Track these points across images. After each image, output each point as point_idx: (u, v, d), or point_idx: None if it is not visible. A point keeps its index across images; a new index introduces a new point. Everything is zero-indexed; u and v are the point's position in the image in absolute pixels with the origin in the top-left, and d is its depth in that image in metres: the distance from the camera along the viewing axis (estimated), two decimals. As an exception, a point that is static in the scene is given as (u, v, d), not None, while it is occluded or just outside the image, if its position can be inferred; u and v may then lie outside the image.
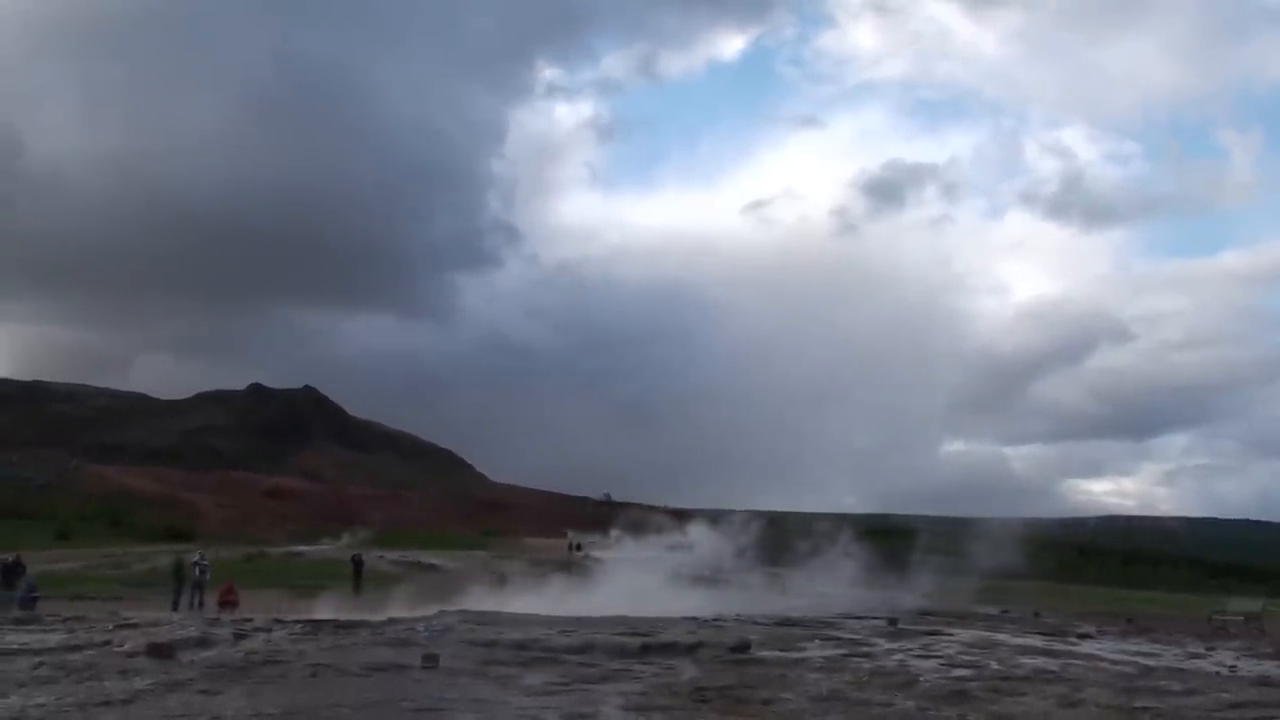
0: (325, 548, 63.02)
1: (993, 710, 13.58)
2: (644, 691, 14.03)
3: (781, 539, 47.13)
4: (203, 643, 16.95)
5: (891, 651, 20.64)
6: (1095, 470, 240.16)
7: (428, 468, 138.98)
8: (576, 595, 32.61)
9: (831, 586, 39.92)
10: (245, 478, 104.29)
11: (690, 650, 18.51)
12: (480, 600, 29.75)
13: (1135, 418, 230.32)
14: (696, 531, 49.20)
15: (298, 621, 21.77)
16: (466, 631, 20.29)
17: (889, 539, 44.37)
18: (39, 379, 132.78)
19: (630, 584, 35.20)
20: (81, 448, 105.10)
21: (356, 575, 38.91)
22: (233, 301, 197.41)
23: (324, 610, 26.97)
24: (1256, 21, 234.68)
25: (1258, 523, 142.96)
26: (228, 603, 29.05)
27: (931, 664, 18.77)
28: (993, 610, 35.42)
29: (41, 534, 57.33)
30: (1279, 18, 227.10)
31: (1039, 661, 19.64)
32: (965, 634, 25.54)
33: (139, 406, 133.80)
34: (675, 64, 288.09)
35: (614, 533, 69.70)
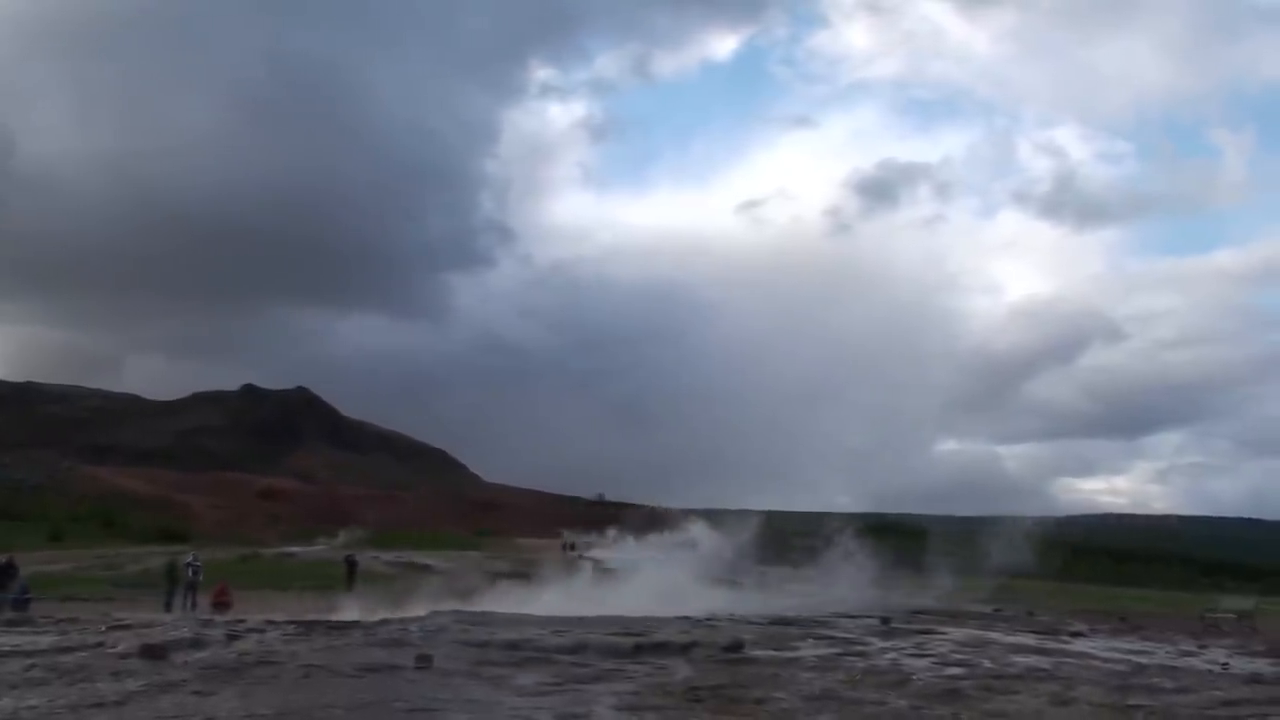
0: (318, 548, 62.95)
1: (986, 709, 13.61)
2: (637, 691, 14.04)
3: (784, 538, 47.10)
4: (196, 644, 16.93)
5: (884, 650, 20.67)
6: (1088, 469, 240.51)
7: (421, 468, 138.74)
8: (587, 597, 32.53)
9: (824, 585, 39.98)
10: (238, 478, 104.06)
11: (683, 650, 18.53)
12: (476, 600, 29.75)
13: (1128, 416, 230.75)
14: (700, 531, 48.98)
15: (291, 622, 21.75)
16: (460, 632, 20.29)
17: (882, 538, 44.31)
18: (31, 380, 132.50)
19: (644, 585, 35.07)
20: (74, 449, 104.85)
21: (350, 576, 38.87)
22: (226, 302, 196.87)
23: (317, 611, 26.93)
24: (1249, 21, 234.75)
25: (1250, 521, 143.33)
26: (221, 604, 29.02)
27: (924, 663, 18.81)
28: (985, 609, 35.47)
29: (34, 535, 57.16)
30: (1271, 17, 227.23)
31: (1032, 660, 19.68)
32: (958, 633, 25.59)
33: (132, 407, 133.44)
34: (668, 64, 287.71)
35: (611, 532, 69.52)
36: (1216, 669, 20.14)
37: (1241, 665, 21.10)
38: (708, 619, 26.18)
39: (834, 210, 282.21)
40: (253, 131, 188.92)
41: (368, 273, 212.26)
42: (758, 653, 19.06)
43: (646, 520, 66.26)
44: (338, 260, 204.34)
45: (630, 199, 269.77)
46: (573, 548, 68.19)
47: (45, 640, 17.61)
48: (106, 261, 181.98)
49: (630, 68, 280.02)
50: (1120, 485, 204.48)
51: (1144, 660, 20.95)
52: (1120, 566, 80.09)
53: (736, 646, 19.12)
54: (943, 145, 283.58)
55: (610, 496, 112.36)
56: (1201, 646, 25.19)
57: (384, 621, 22.32)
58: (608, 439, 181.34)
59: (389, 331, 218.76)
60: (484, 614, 24.25)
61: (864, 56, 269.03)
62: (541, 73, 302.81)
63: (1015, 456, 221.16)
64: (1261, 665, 21.30)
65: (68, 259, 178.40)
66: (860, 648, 21.01)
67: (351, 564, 40.27)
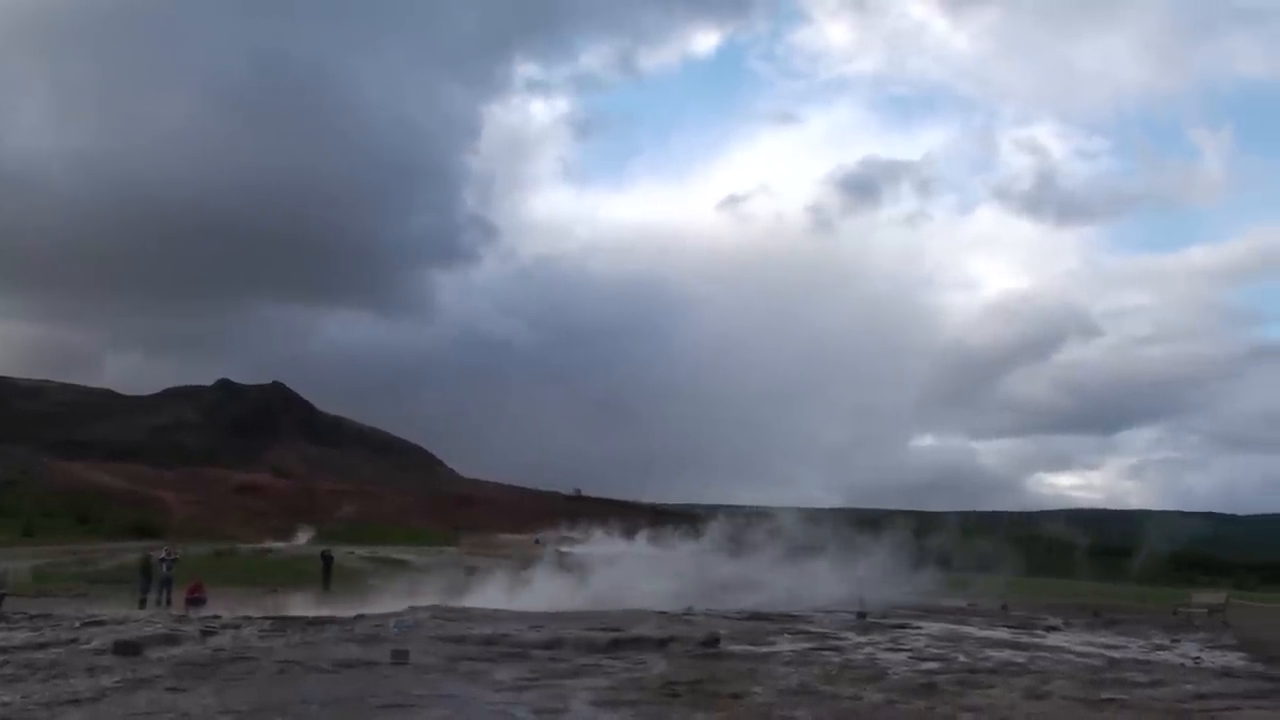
0: (293, 544, 62.74)
1: (961, 703, 13.69)
2: (613, 686, 14.07)
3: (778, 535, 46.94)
4: (170, 640, 16.86)
5: (860, 645, 20.80)
6: (1063, 464, 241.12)
7: (398, 464, 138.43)
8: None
9: (800, 580, 40.11)
10: (214, 474, 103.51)
11: (660, 645, 18.57)
12: (453, 596, 29.74)
13: (1102, 412, 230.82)
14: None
15: (266, 618, 21.70)
16: (436, 627, 20.30)
17: (858, 533, 44.44)
18: (5, 375, 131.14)
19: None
20: (48, 444, 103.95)
21: (326, 572, 38.76)
22: (205, 298, 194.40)
23: (293, 607, 26.88)
24: (1226, 20, 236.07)
25: (1222, 515, 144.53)
26: (195, 600, 28.87)
27: (900, 657, 18.93)
28: (961, 603, 35.69)
29: (7, 531, 56.79)
30: (1249, 16, 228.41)
31: (1006, 654, 19.83)
32: (934, 627, 25.77)
33: (107, 403, 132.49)
34: (651, 60, 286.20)
35: (606, 530, 68.76)
36: (1188, 663, 20.34)
37: (1213, 659, 21.31)
38: (684, 614, 26.27)
39: (816, 207, 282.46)
40: (233, 127, 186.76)
41: (350, 269, 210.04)
42: (734, 648, 19.12)
43: (626, 517, 66.27)
44: (319, 256, 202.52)
45: (612, 194, 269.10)
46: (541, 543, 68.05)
47: (19, 636, 17.50)
48: (84, 257, 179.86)
49: (614, 63, 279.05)
50: (1094, 480, 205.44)
51: (1117, 654, 21.13)
52: (1093, 561, 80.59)
53: (713, 641, 19.18)
54: (923, 142, 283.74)
55: (588, 491, 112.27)
56: (1174, 640, 25.43)
57: (360, 617, 22.27)
58: (586, 434, 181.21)
59: (370, 327, 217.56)
60: (460, 609, 24.26)
61: (845, 53, 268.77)
62: (525, 68, 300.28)
63: (991, 452, 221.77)
64: (1233, 659, 21.51)
65: (44, 254, 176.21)
66: (836, 642, 21.13)
67: (327, 560, 40.12)
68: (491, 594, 31.44)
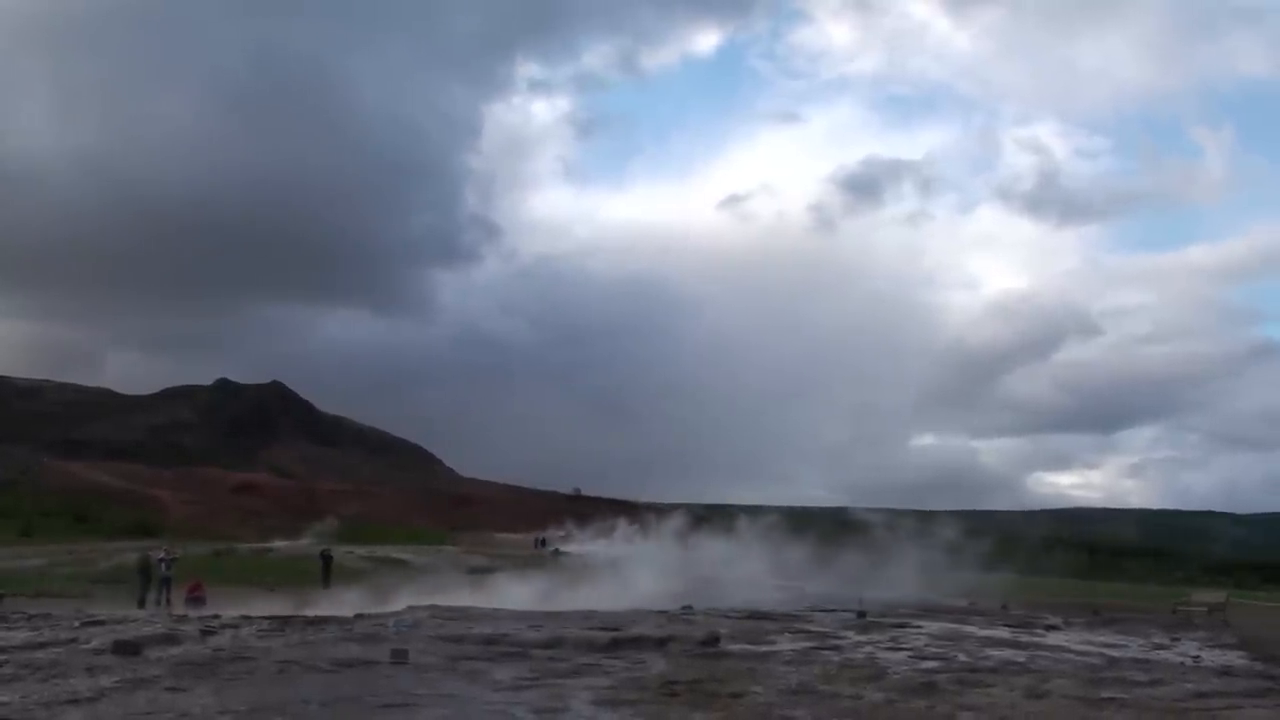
0: (292, 543, 62.64)
1: (960, 702, 13.68)
2: (613, 686, 14.05)
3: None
4: (169, 640, 16.83)
5: (860, 644, 20.78)
6: (1063, 463, 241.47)
7: (396, 463, 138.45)
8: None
9: (802, 579, 40.12)
10: (212, 473, 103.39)
11: (660, 644, 18.55)
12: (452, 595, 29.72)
13: (1102, 411, 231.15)
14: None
15: (265, 618, 21.67)
16: (435, 627, 20.28)
17: (859, 532, 44.48)
18: (3, 374, 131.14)
19: None
20: (46, 444, 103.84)
21: (325, 571, 38.78)
22: (204, 298, 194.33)
23: (292, 607, 26.84)
24: (1226, 19, 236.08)
25: (1222, 514, 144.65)
26: (195, 599, 28.87)
27: (900, 656, 18.92)
28: (961, 602, 35.69)
29: (5, 531, 56.71)
30: (1249, 16, 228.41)
31: (1006, 653, 19.82)
32: (933, 626, 25.75)
33: (105, 402, 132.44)
34: (653, 59, 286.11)
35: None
36: (1188, 661, 20.33)
37: (1213, 658, 21.31)
38: (684, 613, 26.27)
39: (817, 206, 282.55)
40: (234, 126, 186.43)
41: (350, 268, 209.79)
42: (734, 647, 19.11)
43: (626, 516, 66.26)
44: (319, 255, 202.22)
45: (613, 194, 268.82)
46: (543, 543, 68.12)
47: (18, 636, 17.45)
48: (83, 256, 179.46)
49: (615, 63, 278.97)
50: (1094, 479, 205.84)
51: (1117, 653, 21.12)
52: (1093, 559, 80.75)
53: (713, 640, 19.17)
54: (925, 141, 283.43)
55: (588, 491, 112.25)
56: (1174, 639, 25.43)
57: (359, 616, 22.27)
58: (586, 433, 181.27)
59: (370, 327, 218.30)
60: (459, 609, 24.25)
61: (846, 52, 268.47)
62: (526, 67, 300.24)
63: (991, 451, 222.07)
64: (1232, 658, 21.52)
65: (43, 253, 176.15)
66: (836, 641, 21.12)
67: (326, 559, 40.14)
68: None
